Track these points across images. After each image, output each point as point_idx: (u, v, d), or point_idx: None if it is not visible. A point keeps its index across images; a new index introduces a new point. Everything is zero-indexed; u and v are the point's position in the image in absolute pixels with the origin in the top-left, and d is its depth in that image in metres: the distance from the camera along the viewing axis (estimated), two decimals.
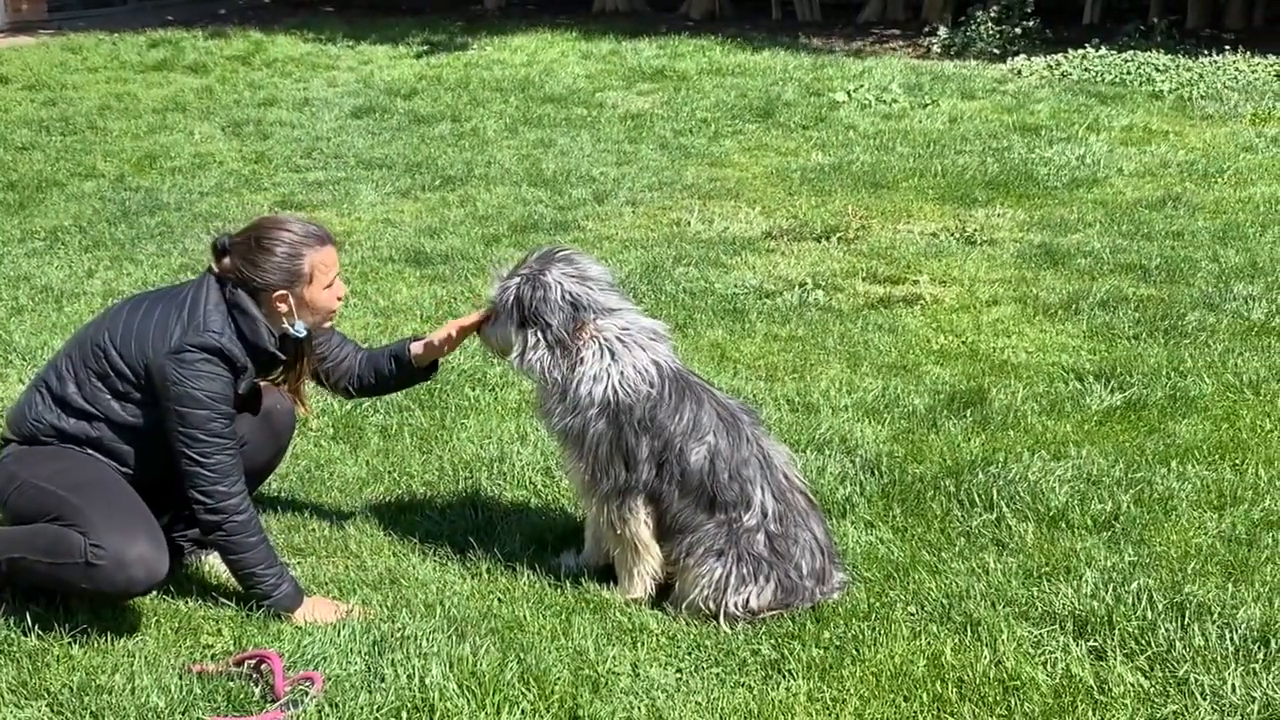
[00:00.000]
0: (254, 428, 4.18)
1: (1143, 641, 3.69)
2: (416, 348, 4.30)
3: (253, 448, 4.15)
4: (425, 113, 11.56)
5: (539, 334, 3.89)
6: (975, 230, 7.94)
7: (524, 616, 3.89)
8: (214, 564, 4.19)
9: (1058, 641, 3.71)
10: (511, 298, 3.93)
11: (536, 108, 11.73)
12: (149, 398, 3.83)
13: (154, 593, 3.87)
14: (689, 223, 8.27)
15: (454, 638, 3.74)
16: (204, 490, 3.80)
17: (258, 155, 10.19)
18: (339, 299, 4.01)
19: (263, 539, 3.89)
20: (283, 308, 3.89)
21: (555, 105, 11.83)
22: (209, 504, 3.80)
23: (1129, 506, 4.51)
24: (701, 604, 3.88)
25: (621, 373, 3.87)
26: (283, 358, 4.03)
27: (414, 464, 4.97)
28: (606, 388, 3.86)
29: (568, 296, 3.88)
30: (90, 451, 3.90)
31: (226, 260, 3.89)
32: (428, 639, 3.71)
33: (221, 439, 3.80)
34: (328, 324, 4.07)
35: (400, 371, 4.32)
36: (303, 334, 3.98)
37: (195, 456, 3.78)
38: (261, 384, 4.20)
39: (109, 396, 3.86)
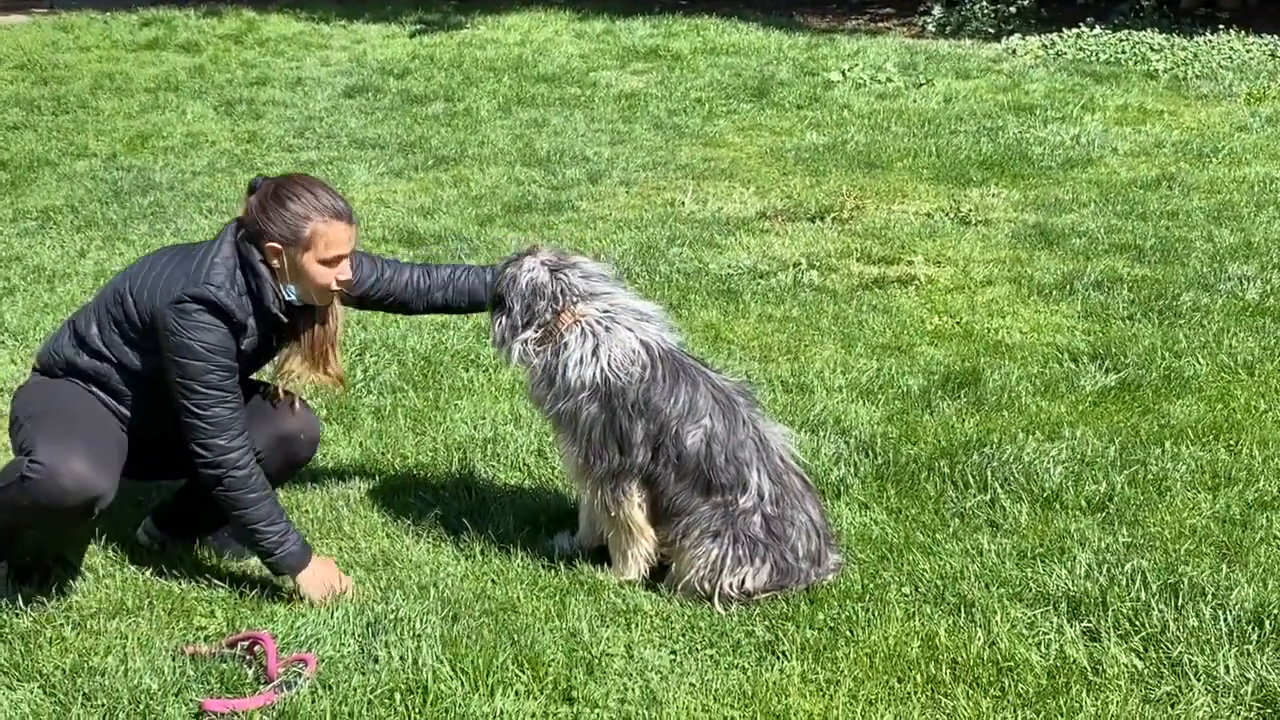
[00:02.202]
0: (272, 448, 4.05)
1: (1136, 623, 3.69)
2: None
3: (265, 462, 4.00)
4: (418, 92, 11.51)
5: (503, 318, 3.91)
6: (970, 210, 7.92)
7: (518, 598, 3.88)
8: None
9: (1051, 623, 3.71)
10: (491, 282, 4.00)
11: (530, 87, 11.68)
12: (154, 346, 3.79)
13: (95, 517, 3.73)
14: (683, 203, 8.25)
15: (448, 619, 3.73)
16: (202, 443, 3.76)
17: (250, 135, 10.14)
18: (338, 281, 3.89)
19: (265, 496, 3.82)
20: (275, 262, 3.82)
21: (549, 85, 11.78)
22: (207, 457, 3.76)
23: (1123, 487, 4.51)
24: (697, 585, 3.88)
25: (610, 354, 3.86)
26: (284, 319, 3.90)
27: (408, 445, 4.96)
28: (595, 370, 3.85)
29: (532, 283, 3.89)
30: (95, 390, 3.88)
31: (252, 198, 3.86)
32: (421, 620, 3.71)
33: (219, 391, 3.74)
34: (322, 303, 3.96)
35: None
36: (291, 298, 3.88)
37: (193, 408, 3.73)
38: (292, 406, 4.10)
39: (123, 343, 3.85)
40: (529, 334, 3.90)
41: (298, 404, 4.14)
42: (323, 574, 3.89)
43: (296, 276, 3.86)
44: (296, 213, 3.79)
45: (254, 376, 4.16)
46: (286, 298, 3.89)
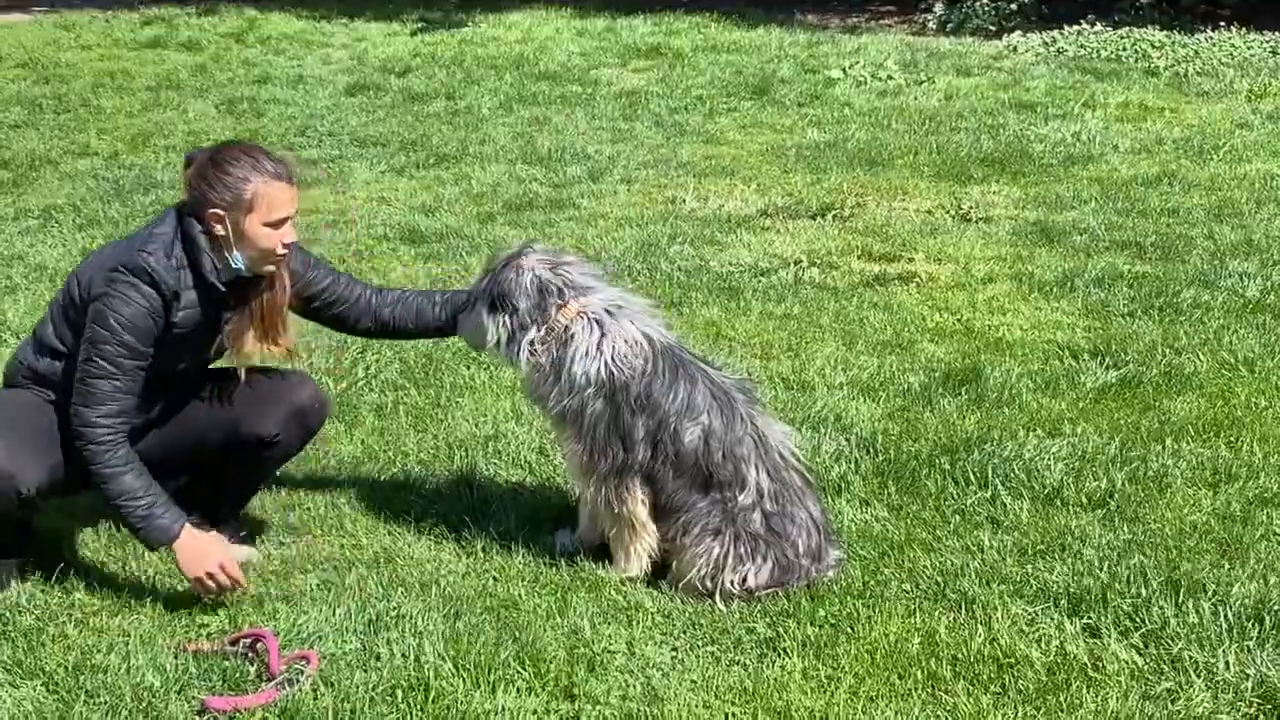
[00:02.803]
0: (289, 424, 4.10)
1: (1137, 619, 3.69)
2: None
3: (285, 441, 4.11)
4: (420, 90, 11.51)
5: (507, 318, 3.90)
6: (970, 208, 7.92)
7: (519, 595, 3.88)
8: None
9: (1052, 619, 3.71)
10: (484, 284, 3.96)
11: (531, 85, 11.68)
12: None
13: (28, 506, 3.76)
14: (684, 200, 8.24)
15: (449, 617, 3.74)
16: (75, 409, 3.72)
17: (252, 133, 10.13)
18: (284, 244, 3.83)
19: (129, 468, 3.72)
20: (219, 229, 3.78)
21: (550, 82, 11.78)
22: (74, 425, 3.73)
23: (1124, 484, 4.51)
24: (699, 583, 3.88)
25: (613, 347, 3.86)
26: (221, 288, 3.84)
27: (409, 443, 4.96)
28: (600, 365, 3.85)
29: (536, 281, 3.88)
30: (50, 393, 3.86)
31: (189, 170, 3.84)
32: (423, 618, 3.71)
33: (111, 366, 3.69)
34: (269, 267, 3.88)
35: (451, 323, 4.23)
36: (239, 266, 3.82)
37: (81, 370, 3.71)
38: (296, 376, 4.16)
39: (72, 334, 3.83)
40: (534, 332, 3.90)
41: (298, 377, 4.19)
42: (194, 549, 3.77)
43: (241, 241, 3.80)
44: (237, 175, 3.76)
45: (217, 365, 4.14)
46: (234, 266, 3.83)
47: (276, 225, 3.82)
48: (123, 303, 3.70)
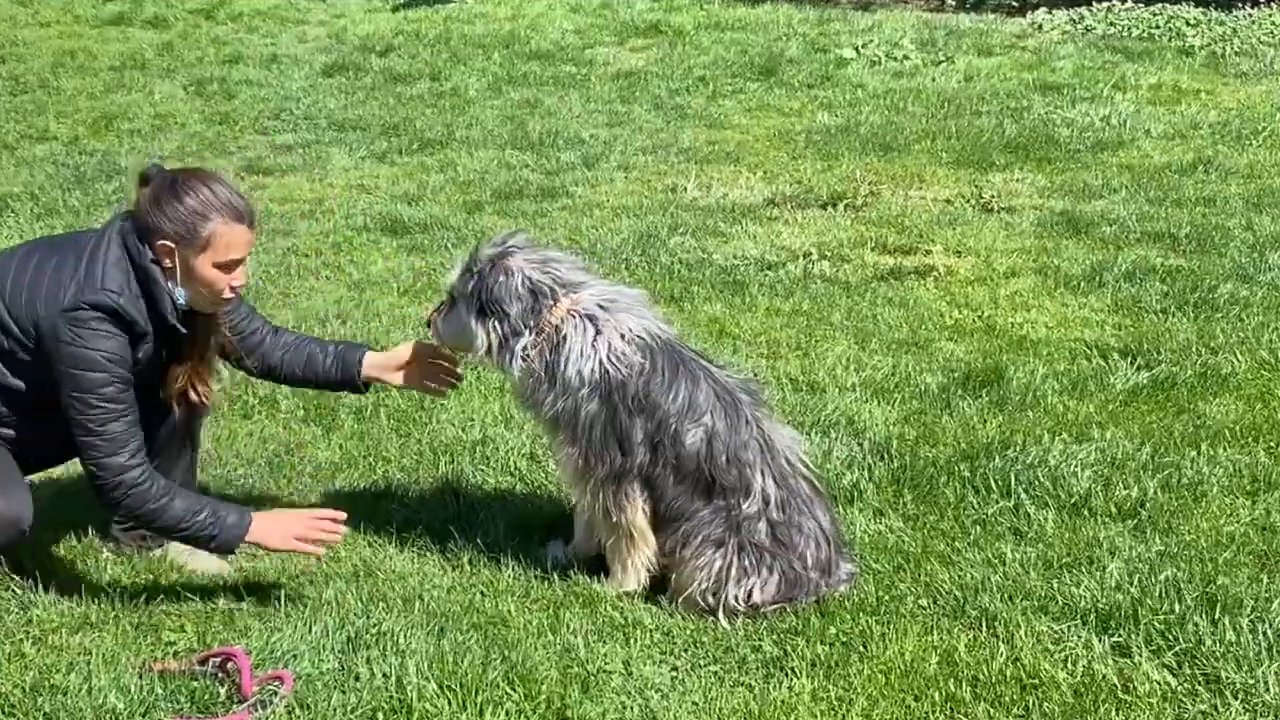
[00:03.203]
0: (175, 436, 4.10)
1: (1170, 637, 3.69)
2: (371, 365, 4.20)
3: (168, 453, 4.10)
4: (402, 71, 11.51)
5: (497, 324, 3.89)
6: (992, 197, 7.92)
7: (508, 611, 3.89)
8: (175, 555, 4.19)
9: (1079, 637, 3.72)
10: (469, 286, 3.94)
11: (522, 65, 11.68)
12: (39, 360, 3.73)
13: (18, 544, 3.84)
14: (685, 189, 8.25)
15: (434, 634, 3.74)
16: (99, 463, 3.72)
17: (222, 116, 10.14)
18: (232, 288, 3.82)
19: (171, 494, 3.77)
20: (167, 262, 3.76)
21: (542, 62, 11.78)
22: (104, 477, 3.73)
23: (1156, 492, 4.51)
24: (700, 597, 3.88)
25: (609, 344, 3.86)
26: (183, 330, 3.86)
27: (391, 448, 4.96)
28: (595, 363, 3.85)
29: (527, 283, 3.88)
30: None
31: (146, 189, 3.80)
32: (405, 635, 3.71)
33: (117, 404, 3.70)
34: (209, 307, 3.88)
35: (341, 376, 4.21)
36: (181, 302, 3.80)
37: (89, 424, 3.69)
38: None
39: (20, 370, 3.78)
40: (528, 337, 3.90)
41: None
42: (273, 524, 3.84)
43: (189, 278, 3.78)
44: (194, 209, 3.72)
45: None
46: (177, 301, 3.81)
47: (228, 268, 3.79)
48: (103, 338, 3.67)
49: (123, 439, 3.72)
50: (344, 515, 3.95)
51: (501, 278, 3.90)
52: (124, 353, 3.72)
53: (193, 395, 4.02)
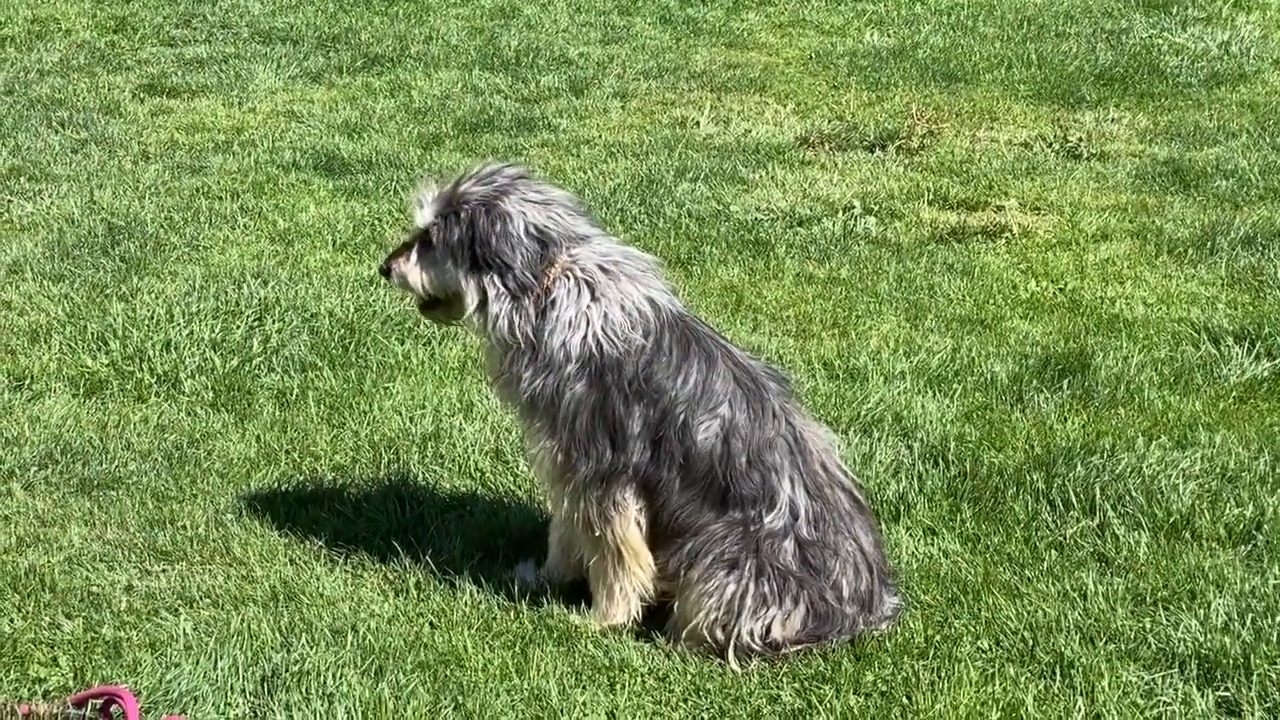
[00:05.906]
0: None
1: None
2: None
3: None
4: None
5: (497, 280, 3.87)
6: (1080, 140, 7.92)
7: (464, 648, 3.89)
8: None
9: (1176, 690, 3.72)
10: (458, 232, 3.91)
11: None
12: None
13: None
14: (697, 123, 8.24)
15: (370, 674, 3.74)
16: None
17: (118, 22, 10.12)
18: None
19: None
20: None
21: None
22: None
23: (1276, 512, 4.52)
24: (707, 632, 3.89)
25: (605, 314, 3.85)
26: None
27: (321, 441, 4.97)
28: (586, 336, 3.84)
29: (533, 229, 3.86)
30: None
31: None
32: (334, 675, 3.71)
33: None
34: None
35: None
36: None
37: None
38: None
39: None
40: (517, 296, 3.88)
41: None
42: None
43: None
44: None
45: None
46: None
47: None
48: None
49: None
50: None
51: (499, 223, 3.86)
52: None
53: None
